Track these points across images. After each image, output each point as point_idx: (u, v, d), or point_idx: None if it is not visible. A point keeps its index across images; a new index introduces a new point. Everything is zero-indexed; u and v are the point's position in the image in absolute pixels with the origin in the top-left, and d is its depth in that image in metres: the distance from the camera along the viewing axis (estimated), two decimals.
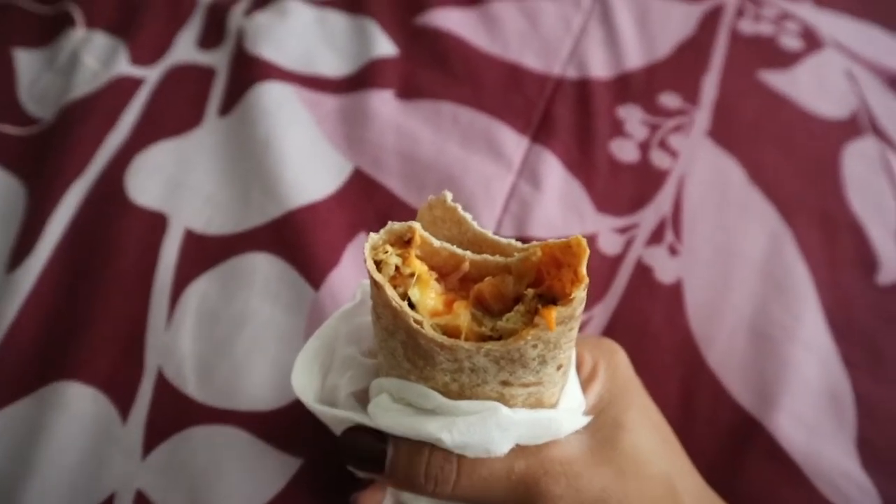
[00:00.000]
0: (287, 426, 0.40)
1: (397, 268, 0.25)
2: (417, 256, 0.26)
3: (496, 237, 0.28)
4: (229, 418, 0.41)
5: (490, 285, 0.26)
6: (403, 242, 0.26)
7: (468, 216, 0.28)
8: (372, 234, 0.25)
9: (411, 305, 0.25)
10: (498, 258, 0.26)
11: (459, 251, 0.27)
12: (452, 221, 0.28)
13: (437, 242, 0.26)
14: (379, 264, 0.25)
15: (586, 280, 0.24)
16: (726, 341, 0.45)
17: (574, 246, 0.24)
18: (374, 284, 0.25)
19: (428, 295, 0.25)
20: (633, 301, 0.47)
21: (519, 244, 0.27)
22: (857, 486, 0.39)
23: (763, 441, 0.41)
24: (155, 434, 0.40)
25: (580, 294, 0.24)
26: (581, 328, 0.46)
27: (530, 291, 0.25)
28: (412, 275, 0.25)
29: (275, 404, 0.41)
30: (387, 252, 0.25)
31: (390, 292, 0.25)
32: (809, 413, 0.42)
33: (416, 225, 0.26)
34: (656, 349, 0.45)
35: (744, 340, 0.45)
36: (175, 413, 0.41)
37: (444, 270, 0.27)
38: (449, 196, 0.28)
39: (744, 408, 0.42)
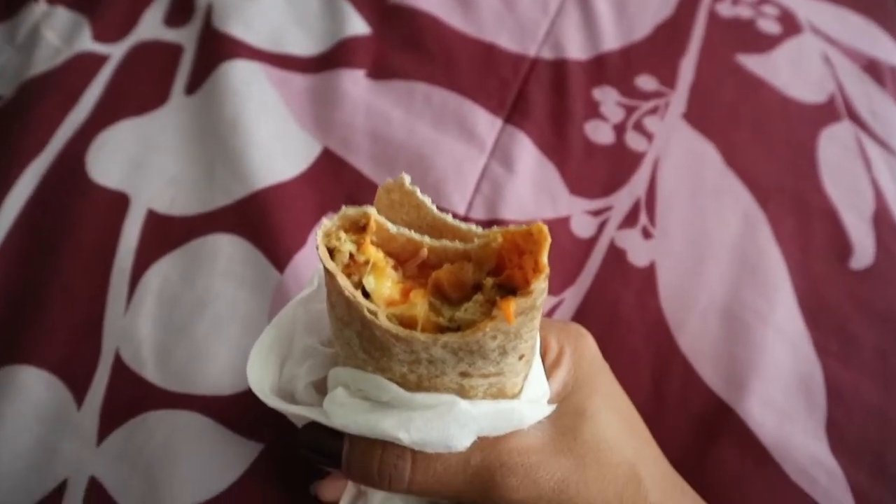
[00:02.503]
0: (247, 411, 0.39)
1: (352, 255, 0.24)
2: (373, 243, 0.25)
3: (456, 222, 0.27)
4: (188, 403, 0.40)
5: (448, 272, 0.25)
6: (358, 228, 0.25)
7: (427, 200, 0.27)
8: (324, 220, 0.24)
9: (366, 294, 0.24)
10: (457, 244, 0.25)
11: (417, 237, 0.26)
12: (411, 206, 0.27)
13: (393, 228, 0.25)
14: (332, 252, 0.24)
15: (547, 270, 0.23)
16: (698, 325, 0.45)
17: (535, 233, 0.23)
18: (327, 273, 0.24)
19: (384, 283, 0.24)
20: (606, 284, 0.47)
21: (479, 230, 0.26)
22: (825, 470, 0.39)
23: (733, 425, 0.41)
24: (111, 419, 0.39)
25: (540, 285, 0.23)
26: (552, 312, 0.45)
27: (489, 281, 0.24)
28: (367, 262, 0.24)
29: (235, 388, 0.40)
30: (340, 239, 0.24)
31: (343, 281, 0.24)
32: (780, 398, 0.42)
33: (372, 210, 0.25)
34: (628, 333, 0.45)
35: (716, 324, 0.45)
36: (132, 398, 0.40)
37: (402, 257, 0.26)
38: (407, 179, 0.27)
39: (715, 392, 0.42)
